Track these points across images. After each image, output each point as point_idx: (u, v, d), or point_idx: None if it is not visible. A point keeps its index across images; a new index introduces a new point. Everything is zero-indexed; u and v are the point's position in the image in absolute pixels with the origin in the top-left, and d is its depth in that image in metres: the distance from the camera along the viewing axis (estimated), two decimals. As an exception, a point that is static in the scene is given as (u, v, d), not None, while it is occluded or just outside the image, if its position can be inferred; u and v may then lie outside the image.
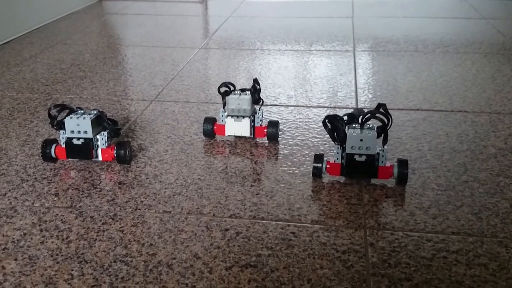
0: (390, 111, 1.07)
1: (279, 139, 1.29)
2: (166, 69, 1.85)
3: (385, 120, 1.05)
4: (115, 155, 1.17)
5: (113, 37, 2.35)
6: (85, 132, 1.14)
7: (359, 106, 1.50)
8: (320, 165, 1.09)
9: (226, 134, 1.27)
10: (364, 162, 1.05)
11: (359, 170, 1.07)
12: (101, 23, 2.62)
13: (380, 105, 1.07)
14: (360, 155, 1.05)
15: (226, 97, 1.26)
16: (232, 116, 1.25)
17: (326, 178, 1.11)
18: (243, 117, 1.25)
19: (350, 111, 1.13)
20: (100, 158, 1.18)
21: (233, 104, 1.25)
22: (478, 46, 2.04)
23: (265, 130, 1.26)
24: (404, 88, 1.63)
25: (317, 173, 1.10)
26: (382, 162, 1.06)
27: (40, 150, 1.19)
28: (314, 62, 1.90)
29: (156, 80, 1.74)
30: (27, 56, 2.03)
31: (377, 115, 1.05)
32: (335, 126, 1.07)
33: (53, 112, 1.16)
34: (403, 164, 1.06)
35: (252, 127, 1.26)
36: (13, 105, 1.55)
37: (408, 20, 2.50)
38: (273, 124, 1.26)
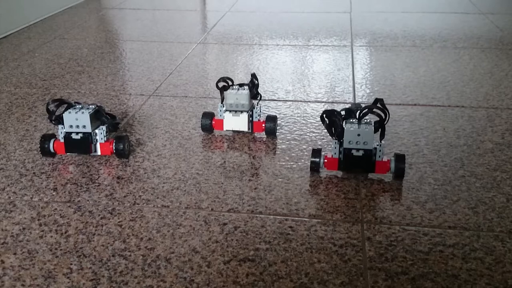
0: (387, 106, 1.07)
1: (277, 133, 1.29)
2: (164, 64, 1.85)
3: (382, 115, 1.05)
4: (113, 149, 1.17)
5: (111, 31, 2.34)
6: (84, 126, 1.15)
7: (356, 101, 1.50)
8: (318, 159, 1.09)
9: (224, 129, 1.28)
10: (362, 156, 1.06)
11: (357, 164, 1.07)
12: (99, 17, 2.62)
13: (377, 100, 1.07)
14: (358, 149, 1.06)
15: (224, 92, 1.26)
16: (230, 111, 1.26)
17: (324, 172, 1.12)
18: (241, 112, 1.25)
19: (347, 106, 1.14)
20: (98, 153, 1.18)
21: (231, 99, 1.25)
22: (476, 41, 2.04)
23: (263, 125, 1.27)
24: (402, 83, 1.63)
25: (315, 168, 1.10)
26: (379, 156, 1.07)
27: (39, 145, 1.19)
28: (312, 57, 1.90)
29: (154, 75, 1.74)
30: (25, 51, 2.02)
31: (374, 110, 1.06)
32: (332, 121, 1.08)
33: (51, 107, 1.16)
34: (400, 158, 1.07)
35: (250, 121, 1.27)
36: (11, 100, 1.55)
37: (406, 15, 2.50)
38: (271, 119, 1.27)
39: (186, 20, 2.52)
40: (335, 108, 1.12)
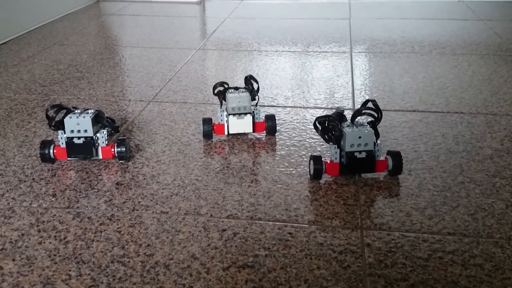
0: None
1: (276, 140, 1.30)
2: (163, 70, 1.85)
3: (375, 115, 1.08)
4: (115, 152, 1.17)
5: (111, 38, 2.35)
6: (85, 131, 1.15)
7: (355, 108, 1.50)
8: (320, 166, 1.09)
9: (230, 133, 1.29)
10: (365, 158, 1.08)
11: (361, 167, 1.09)
12: (99, 24, 2.62)
13: (368, 101, 1.09)
14: (360, 152, 1.07)
15: (226, 95, 1.27)
16: (234, 115, 1.27)
17: (323, 178, 1.12)
18: (245, 114, 1.26)
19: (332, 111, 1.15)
20: (100, 156, 1.18)
21: (233, 103, 1.26)
22: (475, 48, 2.05)
23: (264, 125, 1.29)
24: (401, 89, 1.63)
25: (318, 175, 1.10)
26: (378, 156, 1.09)
27: (39, 151, 1.19)
28: (311, 63, 1.91)
29: (153, 81, 1.74)
30: (25, 57, 2.03)
31: (368, 111, 1.08)
32: (332, 125, 1.09)
33: (51, 113, 1.16)
34: (396, 155, 1.10)
35: (253, 122, 1.28)
36: (11, 106, 1.55)
37: (404, 22, 2.50)
38: (271, 118, 1.29)
39: (185, 27, 2.53)
40: (322, 115, 1.13)
